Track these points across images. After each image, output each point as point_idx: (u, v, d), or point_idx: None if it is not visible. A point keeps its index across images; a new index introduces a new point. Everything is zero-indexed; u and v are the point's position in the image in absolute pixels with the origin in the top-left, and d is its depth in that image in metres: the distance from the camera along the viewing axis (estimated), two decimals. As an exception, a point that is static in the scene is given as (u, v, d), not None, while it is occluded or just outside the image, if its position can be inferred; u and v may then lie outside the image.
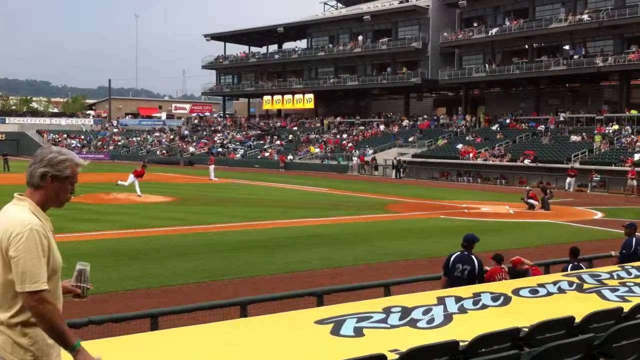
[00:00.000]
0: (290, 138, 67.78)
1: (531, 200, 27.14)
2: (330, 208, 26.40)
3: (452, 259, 8.90)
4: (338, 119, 69.68)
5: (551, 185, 35.97)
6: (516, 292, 7.34)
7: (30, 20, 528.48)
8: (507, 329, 5.31)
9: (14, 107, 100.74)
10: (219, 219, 21.22)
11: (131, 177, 28.94)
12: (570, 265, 9.80)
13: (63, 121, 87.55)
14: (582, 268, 9.57)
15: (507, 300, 7.01)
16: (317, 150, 61.17)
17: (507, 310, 6.66)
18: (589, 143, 44.98)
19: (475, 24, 57.61)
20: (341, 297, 7.90)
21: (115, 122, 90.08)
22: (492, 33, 55.23)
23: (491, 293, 7.20)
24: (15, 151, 76.09)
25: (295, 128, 71.47)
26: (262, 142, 68.77)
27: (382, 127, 63.22)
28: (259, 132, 73.48)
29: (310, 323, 5.95)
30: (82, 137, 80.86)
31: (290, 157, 60.14)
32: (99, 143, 79.09)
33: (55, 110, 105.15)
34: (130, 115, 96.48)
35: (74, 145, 77.48)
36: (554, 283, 7.85)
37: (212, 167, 42.99)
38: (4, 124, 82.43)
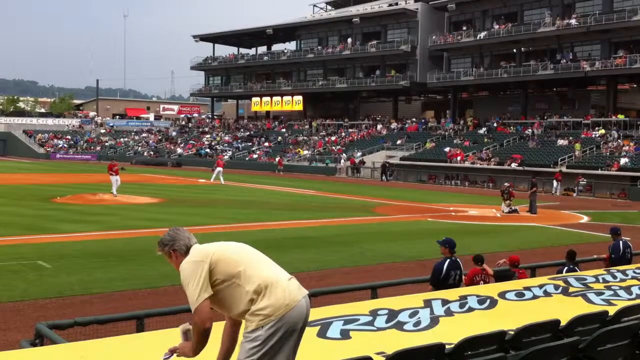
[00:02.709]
0: (278, 140, 67.73)
1: (509, 205, 27.03)
2: (318, 210, 26.39)
3: (445, 267, 8.41)
4: (327, 121, 69.73)
5: (538, 188, 36.12)
6: (502, 295, 7.36)
7: (18, 20, 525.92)
8: (493, 331, 5.32)
9: (0, 107, 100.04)
10: (206, 221, 21.12)
11: (112, 179, 28.73)
12: (566, 267, 9.83)
13: (50, 121, 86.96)
14: (578, 271, 9.62)
15: (493, 303, 7.03)
16: (306, 152, 61.12)
17: (493, 313, 6.68)
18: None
19: (464, 28, 57.87)
20: (328, 299, 7.88)
21: (106, 118, 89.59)
22: (480, 37, 55.49)
23: (477, 296, 7.22)
24: (2, 151, 75.73)
25: (284, 130, 71.43)
26: (250, 143, 68.67)
27: (379, 126, 63.22)
28: (248, 133, 73.37)
29: (296, 325, 5.92)
30: (69, 137, 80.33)
31: (278, 158, 60.04)
32: (86, 144, 78.62)
33: (43, 110, 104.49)
34: (118, 116, 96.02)
35: (60, 145, 77.03)
36: (540, 286, 7.89)
37: (220, 169, 41.18)
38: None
